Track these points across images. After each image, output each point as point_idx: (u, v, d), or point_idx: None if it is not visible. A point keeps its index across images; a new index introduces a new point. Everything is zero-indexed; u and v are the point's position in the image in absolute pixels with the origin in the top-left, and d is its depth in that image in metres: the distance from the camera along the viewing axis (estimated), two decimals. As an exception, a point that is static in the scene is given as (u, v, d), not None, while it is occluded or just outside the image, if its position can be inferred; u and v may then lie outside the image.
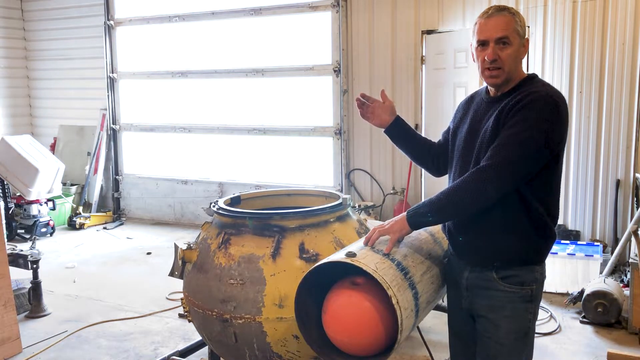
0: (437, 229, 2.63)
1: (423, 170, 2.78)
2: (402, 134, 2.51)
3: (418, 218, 2.11)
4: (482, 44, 2.09)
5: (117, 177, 8.44)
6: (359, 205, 6.16)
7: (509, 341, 2.15)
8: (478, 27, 2.10)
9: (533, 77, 2.16)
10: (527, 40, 2.13)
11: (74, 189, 8.12)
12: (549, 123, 1.99)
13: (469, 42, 2.21)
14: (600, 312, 4.20)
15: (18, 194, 7.09)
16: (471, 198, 2.01)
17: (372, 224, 3.33)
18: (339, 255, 2.16)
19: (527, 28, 2.15)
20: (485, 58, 2.07)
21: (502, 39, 2.05)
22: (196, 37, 7.71)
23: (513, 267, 2.12)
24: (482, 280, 2.17)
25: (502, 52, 2.05)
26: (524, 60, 2.31)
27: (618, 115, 5.40)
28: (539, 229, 2.12)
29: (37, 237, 6.30)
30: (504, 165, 1.97)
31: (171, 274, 4.51)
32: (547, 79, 5.55)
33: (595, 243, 5.29)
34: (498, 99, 2.14)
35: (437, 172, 2.53)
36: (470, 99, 2.33)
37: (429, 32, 6.14)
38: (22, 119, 9.08)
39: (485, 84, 2.24)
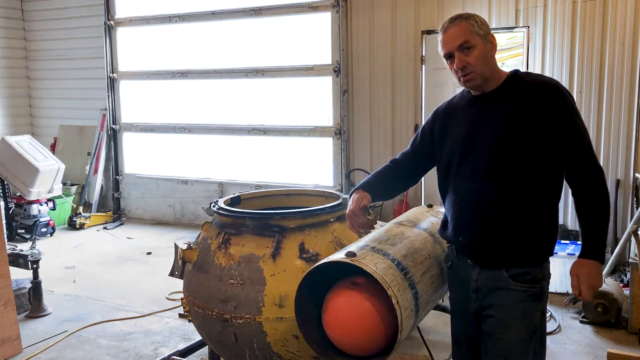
0: (437, 228, 2.63)
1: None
2: (378, 193, 2.50)
3: (603, 251, 2.15)
4: (448, 57, 2.17)
5: (117, 177, 8.44)
6: (359, 205, 6.15)
7: (518, 341, 2.13)
8: (440, 43, 2.18)
9: (517, 72, 2.23)
10: (493, 36, 2.18)
11: (74, 189, 8.11)
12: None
13: None
14: (600, 312, 4.20)
15: (18, 194, 7.09)
16: (607, 203, 2.11)
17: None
18: (339, 255, 2.16)
19: (489, 26, 2.21)
20: (455, 68, 2.15)
21: (463, 45, 2.11)
22: (196, 37, 7.71)
23: (523, 264, 2.13)
24: (493, 280, 2.16)
25: (469, 57, 2.12)
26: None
27: (618, 115, 5.40)
28: (547, 224, 2.15)
29: (37, 237, 6.30)
30: (597, 164, 2.12)
31: (171, 274, 4.51)
32: (547, 79, 5.55)
33: (595, 243, 5.28)
34: (496, 97, 2.17)
35: (414, 181, 2.59)
36: (452, 106, 2.35)
37: (429, 32, 6.14)
38: (22, 119, 9.07)
39: (459, 91, 2.33)
